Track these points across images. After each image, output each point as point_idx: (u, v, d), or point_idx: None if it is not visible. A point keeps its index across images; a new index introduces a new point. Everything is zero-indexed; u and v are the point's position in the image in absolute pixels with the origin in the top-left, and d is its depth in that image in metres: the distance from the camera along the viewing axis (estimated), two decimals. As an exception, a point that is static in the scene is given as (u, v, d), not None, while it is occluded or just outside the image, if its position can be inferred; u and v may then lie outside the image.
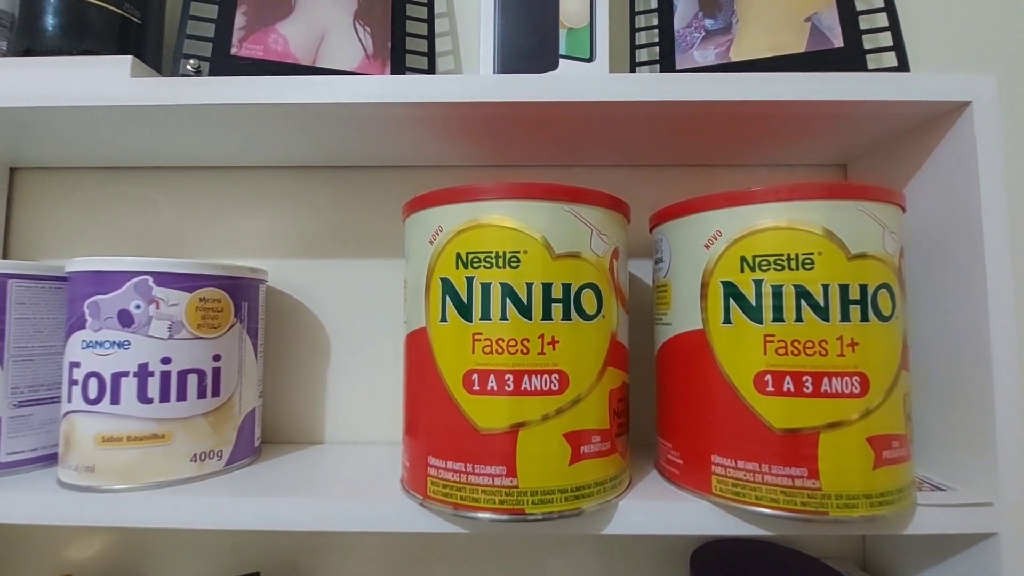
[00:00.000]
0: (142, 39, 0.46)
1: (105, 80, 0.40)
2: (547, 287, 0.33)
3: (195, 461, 0.40)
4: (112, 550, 0.52)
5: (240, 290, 0.43)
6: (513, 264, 0.33)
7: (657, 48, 0.48)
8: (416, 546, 0.52)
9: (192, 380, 0.40)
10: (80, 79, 0.40)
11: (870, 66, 0.43)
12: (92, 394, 0.38)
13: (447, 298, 0.34)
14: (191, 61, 0.43)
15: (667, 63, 0.47)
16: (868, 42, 0.43)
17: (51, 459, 0.43)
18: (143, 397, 0.38)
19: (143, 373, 0.38)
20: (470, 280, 0.34)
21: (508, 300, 0.33)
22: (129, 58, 0.41)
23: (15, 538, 0.52)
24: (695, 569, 0.42)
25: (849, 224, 0.33)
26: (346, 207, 0.54)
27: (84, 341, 0.38)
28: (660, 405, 0.41)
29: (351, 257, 0.54)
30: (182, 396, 0.39)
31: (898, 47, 0.43)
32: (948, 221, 0.40)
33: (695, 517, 0.35)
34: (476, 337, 0.33)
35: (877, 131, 0.44)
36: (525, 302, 0.33)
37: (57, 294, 0.44)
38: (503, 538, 0.52)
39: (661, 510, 0.36)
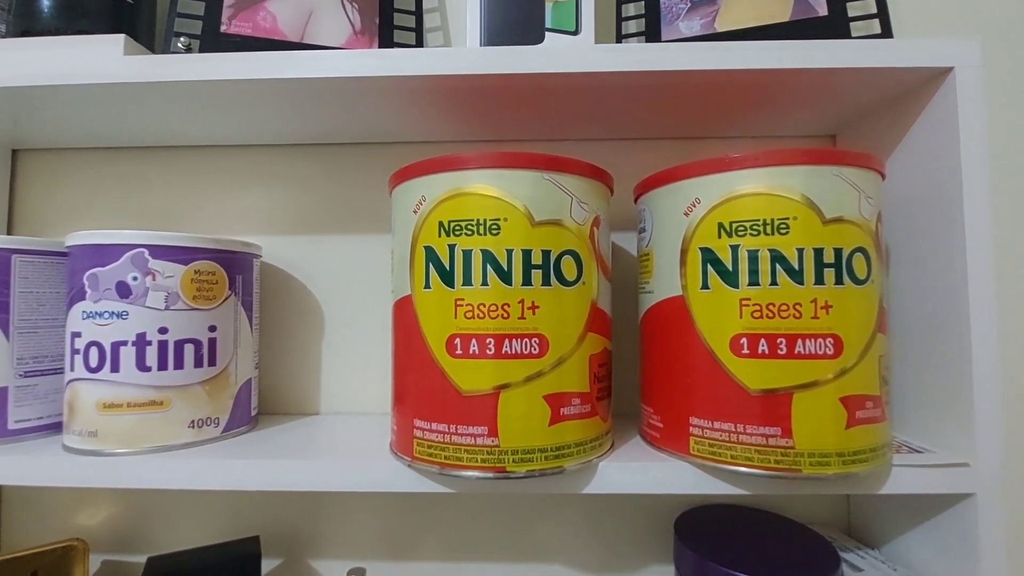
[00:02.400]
0: (134, 18, 0.47)
1: (99, 58, 0.41)
2: (527, 253, 0.34)
3: (193, 427, 0.41)
4: (116, 517, 0.54)
5: (234, 263, 0.44)
6: (494, 231, 0.34)
7: (643, 20, 0.48)
8: (409, 512, 0.54)
9: (189, 349, 0.41)
10: (75, 58, 0.41)
11: (854, 34, 0.43)
12: (93, 362, 0.39)
13: (430, 265, 0.35)
14: (182, 39, 0.44)
15: (653, 35, 0.47)
16: (852, 10, 0.43)
17: (55, 427, 0.45)
18: (142, 365, 0.40)
19: (141, 342, 0.40)
20: (452, 247, 0.34)
21: (489, 266, 0.34)
22: (122, 36, 0.41)
23: (26, 505, 0.54)
24: (680, 534, 0.43)
25: (825, 189, 0.34)
26: (336, 184, 0.55)
27: (84, 312, 0.40)
28: (643, 372, 0.42)
29: (342, 233, 0.55)
30: (179, 365, 0.41)
31: (882, 14, 0.43)
32: (931, 187, 0.40)
33: (673, 476, 0.36)
34: (458, 303, 0.34)
35: (863, 100, 0.44)
36: (505, 268, 0.34)
37: (58, 269, 0.45)
38: (493, 505, 0.54)
39: (640, 470, 0.37)
